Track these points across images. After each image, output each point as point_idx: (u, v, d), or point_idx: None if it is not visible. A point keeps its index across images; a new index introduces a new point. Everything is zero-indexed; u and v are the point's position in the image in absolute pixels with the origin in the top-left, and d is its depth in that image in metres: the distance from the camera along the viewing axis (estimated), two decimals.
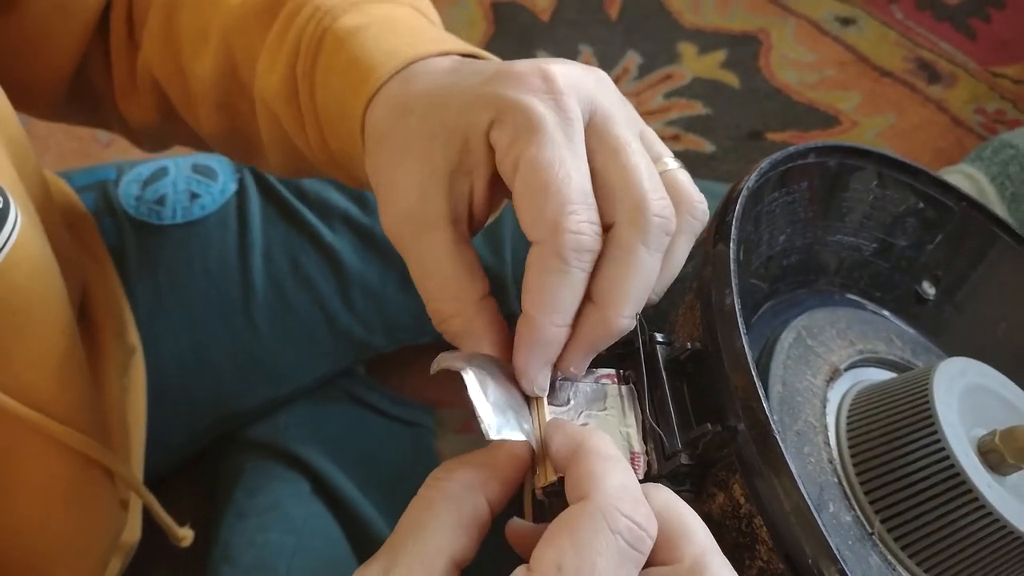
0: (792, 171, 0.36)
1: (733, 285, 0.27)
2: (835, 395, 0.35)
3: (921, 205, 0.41)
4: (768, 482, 0.24)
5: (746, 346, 0.26)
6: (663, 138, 0.97)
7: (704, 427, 0.26)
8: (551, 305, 0.25)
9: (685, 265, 0.35)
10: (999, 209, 0.69)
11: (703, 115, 0.91)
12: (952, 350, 0.42)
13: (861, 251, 0.42)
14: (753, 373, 0.25)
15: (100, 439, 0.37)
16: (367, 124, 0.30)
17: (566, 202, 0.25)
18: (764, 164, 0.33)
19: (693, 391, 0.29)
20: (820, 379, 0.35)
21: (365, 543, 0.54)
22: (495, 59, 0.32)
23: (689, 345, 0.27)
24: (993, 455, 0.32)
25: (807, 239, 0.39)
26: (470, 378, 0.25)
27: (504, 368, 0.27)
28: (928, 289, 0.43)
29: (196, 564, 0.50)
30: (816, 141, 0.37)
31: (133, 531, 0.46)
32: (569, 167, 0.25)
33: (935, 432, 0.31)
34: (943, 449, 0.31)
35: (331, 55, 0.32)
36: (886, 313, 0.42)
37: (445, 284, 0.27)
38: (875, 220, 0.41)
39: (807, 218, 0.39)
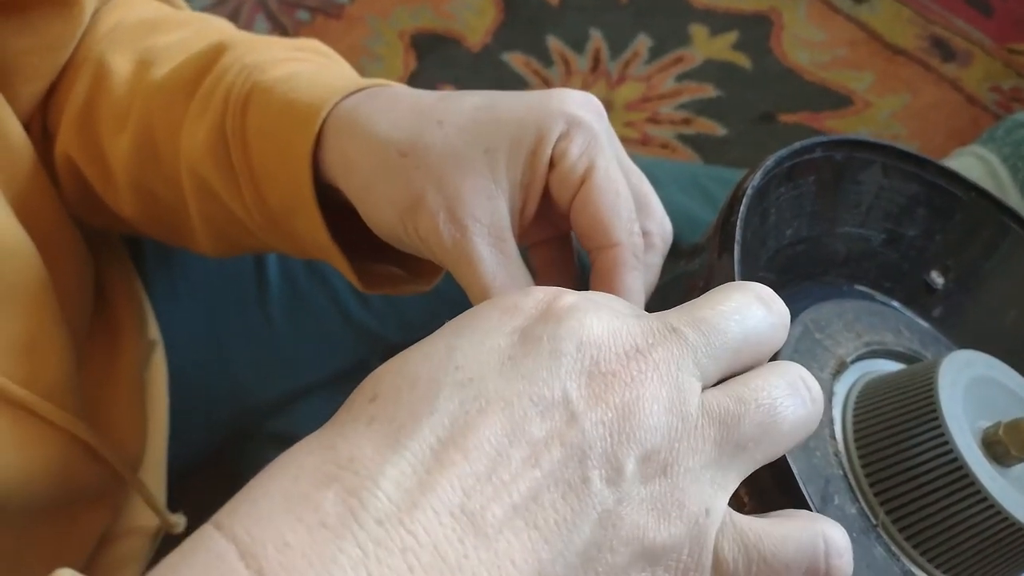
0: (799, 166, 0.37)
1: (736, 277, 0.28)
2: (841, 388, 0.36)
3: (929, 195, 0.42)
4: (770, 481, 0.25)
5: None
6: (674, 122, 0.97)
7: None
8: (640, 303, 0.28)
9: (691, 261, 0.35)
10: (1012, 190, 0.69)
11: (715, 98, 0.91)
12: (961, 339, 0.42)
13: (869, 242, 0.42)
14: None
15: (96, 426, 0.38)
16: (340, 146, 0.30)
17: (633, 210, 0.29)
18: (769, 162, 0.34)
19: None
20: (827, 372, 0.36)
21: None
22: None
23: None
24: (997, 447, 0.32)
25: (814, 231, 0.40)
26: None
27: None
28: (937, 279, 0.43)
29: None
30: (822, 136, 0.37)
31: (152, 516, 0.47)
32: (624, 182, 0.29)
33: (939, 425, 0.32)
34: (947, 442, 0.31)
35: (262, 107, 0.32)
36: (895, 304, 0.43)
37: (522, 286, 0.28)
38: (883, 211, 0.41)
39: (814, 211, 0.39)
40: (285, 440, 0.61)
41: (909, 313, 0.43)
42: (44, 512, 0.36)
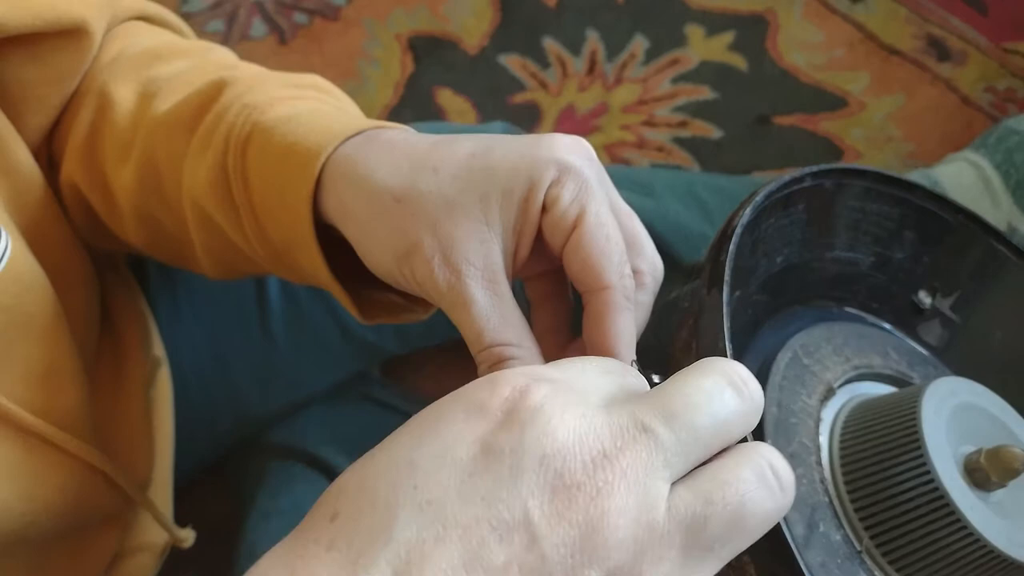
0: (789, 196, 0.37)
1: (725, 330, 0.29)
2: (828, 414, 0.37)
3: (917, 219, 0.42)
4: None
5: None
6: (670, 125, 0.98)
7: None
8: (630, 343, 0.29)
9: (688, 283, 0.36)
10: (1003, 196, 0.69)
11: (710, 100, 0.91)
12: (948, 359, 0.43)
13: (858, 265, 0.43)
14: None
15: (104, 447, 0.39)
16: (338, 191, 0.30)
17: (624, 252, 0.29)
18: (759, 197, 0.34)
19: None
20: (815, 399, 0.37)
21: None
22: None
23: None
24: (978, 473, 0.33)
25: (804, 257, 0.40)
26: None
27: None
28: (924, 299, 0.44)
29: (224, 565, 0.52)
30: (812, 167, 0.37)
31: (161, 532, 0.48)
32: (615, 225, 0.29)
33: (921, 454, 0.32)
34: (928, 471, 0.32)
35: (261, 148, 0.33)
36: (884, 325, 0.43)
37: (514, 326, 0.28)
38: (872, 235, 0.42)
39: (804, 238, 0.40)
40: (285, 450, 0.62)
41: (898, 334, 0.43)
42: (59, 537, 0.37)
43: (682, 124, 0.90)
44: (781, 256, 0.39)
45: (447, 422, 0.20)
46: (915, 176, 0.69)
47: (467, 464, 0.19)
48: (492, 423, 0.20)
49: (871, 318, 0.43)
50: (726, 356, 0.28)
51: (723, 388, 0.22)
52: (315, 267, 0.33)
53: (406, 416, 0.70)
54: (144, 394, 0.47)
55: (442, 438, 0.20)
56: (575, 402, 0.21)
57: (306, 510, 0.59)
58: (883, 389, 0.39)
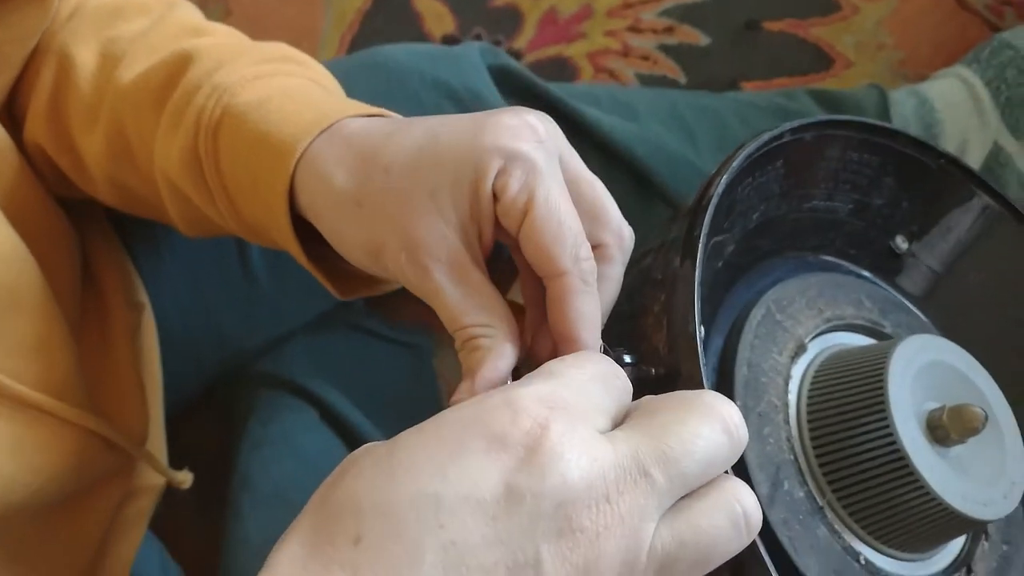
0: (768, 153, 0.37)
1: (696, 311, 0.29)
2: (798, 371, 0.37)
3: (898, 165, 0.42)
4: None
5: (704, 376, 0.28)
6: (656, 31, 0.94)
7: None
8: (595, 325, 0.29)
9: (666, 234, 0.36)
10: (992, 113, 0.68)
11: (698, 2, 0.87)
12: (925, 306, 0.44)
13: (836, 213, 0.42)
14: None
15: (99, 408, 0.40)
16: (309, 191, 0.31)
17: (579, 234, 0.29)
18: (736, 161, 0.34)
19: None
20: (785, 356, 0.37)
21: None
22: (398, 116, 0.33)
23: (653, 371, 0.29)
24: (939, 430, 0.34)
25: (781, 210, 0.40)
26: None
27: None
28: (901, 244, 0.44)
29: (217, 496, 0.54)
30: (790, 122, 0.37)
31: (159, 476, 0.50)
32: (568, 206, 0.29)
33: (884, 414, 0.33)
34: (890, 433, 0.33)
35: (233, 133, 0.33)
36: (860, 271, 0.44)
37: (486, 308, 0.29)
38: (851, 183, 0.42)
39: (782, 191, 0.40)
40: (274, 379, 0.62)
41: (873, 279, 0.44)
42: (62, 500, 0.39)
43: (668, 30, 0.87)
44: (758, 212, 0.39)
45: (470, 453, 0.22)
46: (903, 94, 0.67)
47: (491, 507, 0.21)
48: (514, 460, 0.21)
49: (848, 265, 0.44)
50: (695, 341, 0.28)
51: (719, 435, 0.23)
52: (292, 250, 0.33)
53: (388, 342, 0.70)
54: (131, 343, 0.47)
55: (468, 474, 0.21)
56: (587, 439, 0.22)
57: (295, 440, 0.60)
58: (855, 339, 0.40)
